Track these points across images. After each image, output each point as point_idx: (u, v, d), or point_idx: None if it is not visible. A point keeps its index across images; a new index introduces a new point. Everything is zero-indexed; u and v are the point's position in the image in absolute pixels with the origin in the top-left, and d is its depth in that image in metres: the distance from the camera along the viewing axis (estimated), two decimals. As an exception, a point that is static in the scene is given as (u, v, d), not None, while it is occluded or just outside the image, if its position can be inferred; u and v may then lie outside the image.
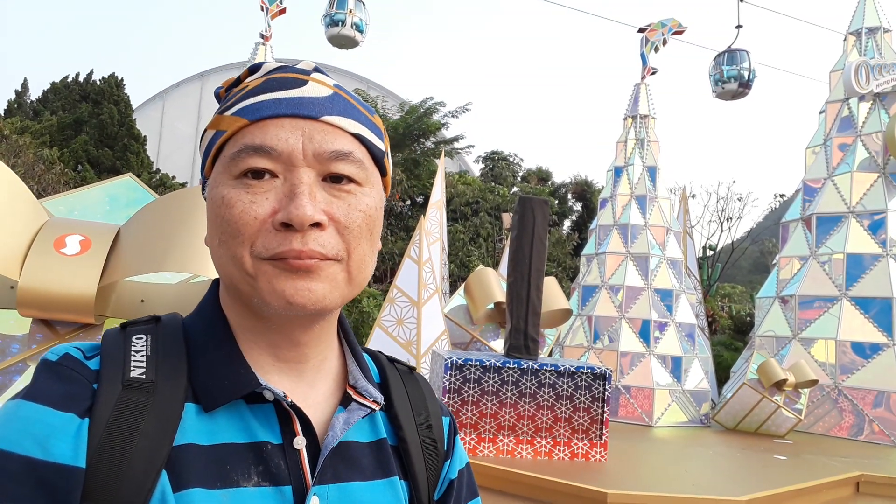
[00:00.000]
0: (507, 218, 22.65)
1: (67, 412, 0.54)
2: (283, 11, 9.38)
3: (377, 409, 0.68)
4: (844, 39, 10.41)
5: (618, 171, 10.13)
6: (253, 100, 0.62)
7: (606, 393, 5.89)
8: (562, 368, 5.86)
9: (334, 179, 0.62)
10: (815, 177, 10.13)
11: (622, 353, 9.22)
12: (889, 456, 7.46)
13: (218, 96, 0.69)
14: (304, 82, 0.63)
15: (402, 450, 0.70)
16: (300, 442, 0.62)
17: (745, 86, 13.16)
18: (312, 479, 0.61)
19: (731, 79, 13.30)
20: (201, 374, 0.61)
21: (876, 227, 9.25)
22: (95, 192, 3.65)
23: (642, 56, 10.07)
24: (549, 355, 9.19)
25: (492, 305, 8.16)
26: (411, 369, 0.80)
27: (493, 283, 8.17)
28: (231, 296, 0.65)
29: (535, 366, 5.79)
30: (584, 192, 25.49)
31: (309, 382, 0.67)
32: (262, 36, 9.47)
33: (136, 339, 0.62)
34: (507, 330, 6.07)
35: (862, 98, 9.74)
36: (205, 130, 0.67)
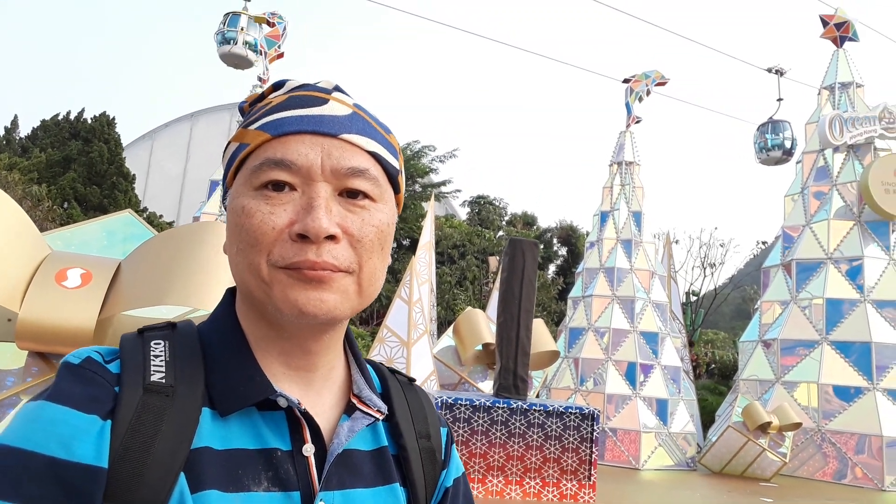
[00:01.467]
0: (493, 261, 22.83)
1: (90, 414, 0.55)
2: (280, 56, 9.65)
3: (381, 418, 0.70)
4: (819, 93, 10.89)
5: (604, 216, 10.37)
6: (276, 115, 0.65)
7: (595, 433, 5.94)
8: (551, 408, 5.91)
9: (350, 195, 0.64)
10: (794, 224, 10.44)
11: (608, 396, 9.27)
12: (873, 500, 7.52)
13: (242, 110, 0.72)
14: (326, 101, 0.66)
15: (403, 458, 0.72)
16: (309, 449, 0.63)
17: (787, 153, 14.46)
18: (319, 485, 0.63)
19: (776, 147, 14.65)
20: (217, 379, 0.63)
21: (853, 273, 9.52)
22: (93, 226, 3.72)
23: (627, 105, 10.44)
24: (537, 397, 9.22)
25: (480, 347, 8.22)
26: (411, 381, 0.82)
27: (482, 324, 8.24)
28: (246, 304, 0.67)
29: (525, 405, 5.84)
30: (569, 236, 25.82)
31: (317, 391, 0.69)
32: (260, 79, 9.71)
33: (155, 344, 0.63)
34: (497, 370, 6.13)
35: (836, 149, 10.14)
36: (228, 143, 0.69)
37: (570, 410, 5.94)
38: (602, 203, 10.47)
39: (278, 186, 0.62)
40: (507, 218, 26.69)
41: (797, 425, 8.46)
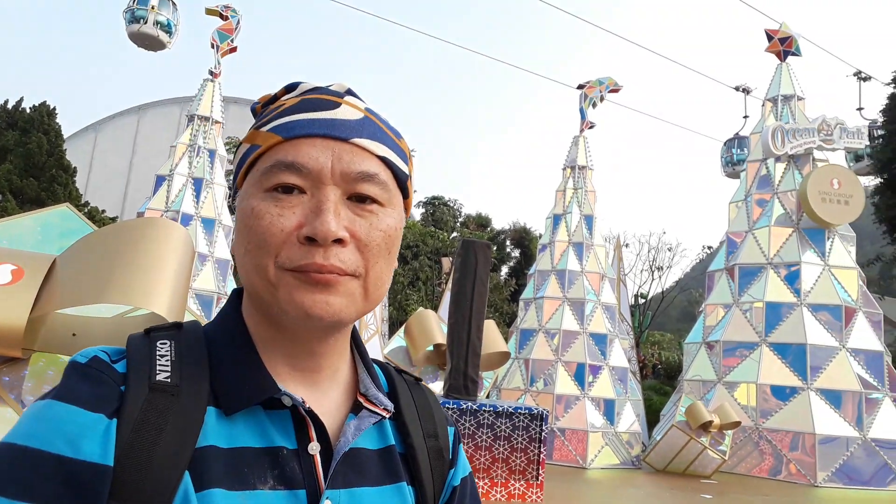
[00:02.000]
0: (446, 262, 22.86)
1: (97, 412, 0.56)
2: (233, 50, 9.44)
3: (387, 416, 0.71)
4: (763, 105, 11.31)
5: (556, 219, 10.52)
6: (288, 118, 0.65)
7: (543, 433, 6.01)
8: (500, 409, 5.95)
9: (359, 199, 0.65)
10: (738, 230, 10.82)
11: (558, 396, 9.40)
12: (806, 495, 7.85)
13: (254, 111, 0.73)
14: (338, 105, 0.67)
15: (410, 457, 0.73)
16: (315, 447, 0.64)
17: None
18: (325, 483, 0.63)
19: (741, 161, 15.68)
20: (222, 379, 0.63)
21: (791, 277, 9.92)
22: (27, 220, 3.56)
23: (581, 111, 10.63)
24: (487, 398, 9.28)
25: (431, 347, 8.22)
26: (417, 380, 0.82)
27: (434, 325, 8.24)
28: (253, 305, 0.68)
29: (474, 406, 5.87)
30: (523, 238, 26.10)
31: (323, 390, 0.69)
32: (212, 73, 9.47)
33: (161, 344, 0.64)
34: (448, 370, 6.15)
35: (778, 159, 10.55)
36: (239, 144, 0.70)
37: (519, 411, 6.00)
38: (555, 206, 10.63)
39: (288, 189, 0.63)
40: (461, 219, 26.78)
41: (736, 424, 8.76)
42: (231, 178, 0.76)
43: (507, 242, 27.41)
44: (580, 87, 10.69)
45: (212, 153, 9.23)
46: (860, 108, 19.08)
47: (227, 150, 21.28)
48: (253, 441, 0.62)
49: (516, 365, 10.06)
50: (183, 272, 3.57)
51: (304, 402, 0.63)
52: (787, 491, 7.98)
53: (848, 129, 10.41)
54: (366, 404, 0.69)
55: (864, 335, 9.56)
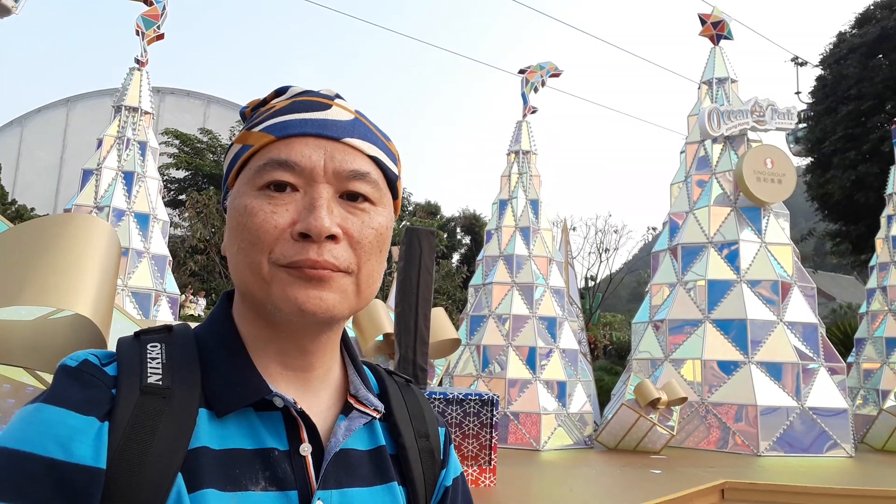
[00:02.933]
0: (395, 251, 22.74)
1: (88, 415, 0.56)
2: (160, 37, 9.01)
3: (377, 416, 0.71)
4: (699, 87, 11.56)
5: (502, 204, 10.53)
6: (281, 118, 0.67)
7: (494, 419, 6.01)
8: (450, 396, 5.92)
9: (350, 197, 0.66)
10: (679, 210, 11.06)
11: (510, 381, 9.45)
12: (750, 464, 8.12)
13: (243, 115, 0.74)
14: (329, 106, 0.69)
15: (402, 457, 0.73)
16: (306, 449, 0.64)
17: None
18: (317, 484, 0.63)
19: None
20: (214, 381, 0.64)
21: (731, 256, 10.21)
22: (-61, 221, 3.30)
23: (523, 95, 10.63)
24: (440, 385, 9.25)
25: (381, 337, 8.12)
26: (408, 381, 0.83)
27: (382, 314, 8.14)
28: (245, 304, 0.68)
29: (424, 394, 5.81)
30: (473, 225, 26.18)
31: (314, 391, 0.70)
32: (138, 61, 9.02)
33: (151, 346, 0.64)
34: (396, 360, 6.07)
35: (715, 140, 10.81)
36: (231, 144, 0.71)
37: (469, 397, 5.97)
38: (500, 192, 10.63)
39: (280, 187, 0.64)
40: (410, 208, 26.65)
41: (683, 400, 8.99)
42: (223, 179, 0.75)
43: (458, 230, 27.45)
44: (521, 71, 10.69)
45: (143, 145, 8.81)
46: (798, 92, 19.83)
47: (165, 143, 20.57)
48: (244, 442, 0.62)
49: (468, 351, 10.06)
50: (109, 271, 3.36)
51: (295, 402, 0.64)
52: (731, 461, 8.24)
53: (779, 110, 10.74)
54: (356, 405, 0.70)
55: (800, 308, 9.94)
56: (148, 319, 7.74)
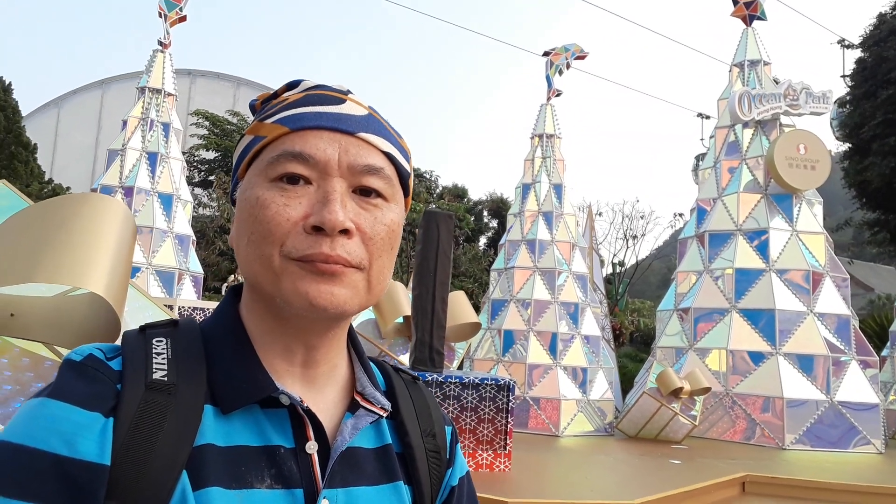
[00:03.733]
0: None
1: (93, 411, 0.56)
2: (183, 19, 9.05)
3: (384, 415, 0.71)
4: (730, 70, 11.22)
5: (525, 188, 10.42)
6: (295, 111, 0.66)
7: (510, 404, 5.98)
8: (466, 380, 5.90)
9: (363, 192, 0.65)
10: (707, 197, 10.80)
11: (530, 366, 9.40)
12: (773, 457, 7.97)
13: (253, 108, 0.74)
14: (343, 101, 0.68)
15: (408, 456, 0.73)
16: (312, 447, 0.64)
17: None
18: (322, 482, 0.63)
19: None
20: (219, 377, 0.63)
21: (761, 244, 9.95)
22: (-40, 199, 3.36)
23: (547, 78, 10.45)
24: (460, 368, 9.25)
25: (401, 319, 8.13)
26: (415, 378, 0.83)
27: (402, 297, 8.14)
28: (253, 298, 0.68)
29: (440, 378, 5.80)
30: (500, 208, 26.03)
31: (320, 388, 0.69)
32: (161, 44, 9.08)
33: (157, 341, 0.64)
34: (413, 343, 6.06)
35: (746, 125, 10.50)
36: (242, 135, 0.70)
37: (485, 382, 5.95)
38: (524, 175, 10.51)
39: (294, 179, 0.63)
40: (437, 191, 26.61)
41: (706, 390, 8.84)
42: (232, 171, 0.74)
43: (485, 213, 27.33)
44: (546, 54, 10.49)
45: (166, 127, 8.91)
46: (844, 76, 19.13)
47: (195, 125, 20.82)
48: (250, 440, 0.62)
49: (489, 335, 10.03)
50: (123, 250, 3.39)
51: (301, 400, 0.64)
52: (754, 454, 8.10)
53: (813, 94, 10.37)
54: (363, 403, 0.70)
55: (832, 300, 9.66)
56: (172, 298, 7.88)
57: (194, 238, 9.09)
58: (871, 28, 17.78)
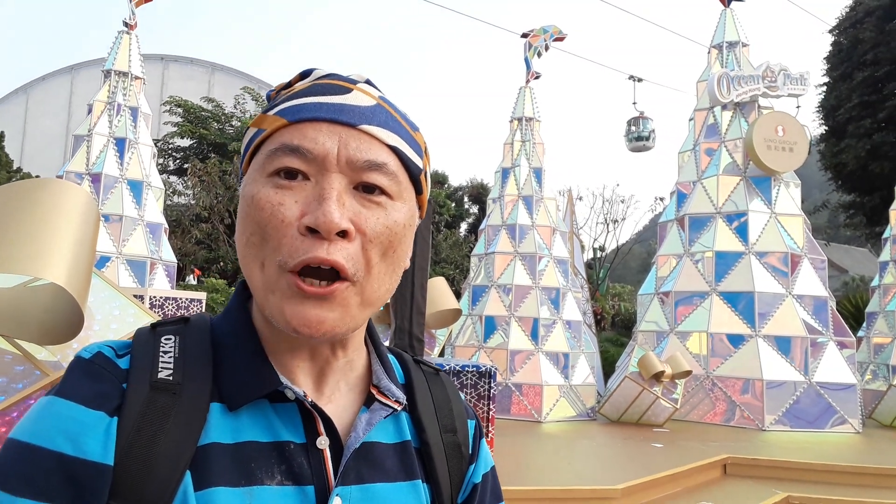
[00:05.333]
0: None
1: (98, 410, 0.56)
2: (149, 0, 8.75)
3: (399, 408, 0.69)
4: (708, 52, 11.18)
5: (505, 173, 10.31)
6: (296, 102, 0.63)
7: (492, 391, 5.90)
8: (447, 368, 5.80)
9: (367, 189, 0.62)
10: (687, 180, 10.79)
11: (512, 352, 9.35)
12: (753, 439, 8.01)
13: (269, 98, 0.70)
14: (349, 90, 0.64)
15: (425, 453, 0.71)
16: (323, 442, 0.62)
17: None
18: (335, 479, 0.62)
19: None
20: (226, 374, 0.62)
21: (740, 227, 9.96)
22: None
23: (526, 60, 10.31)
24: (441, 355, 9.17)
25: (381, 307, 8.00)
26: (437, 371, 0.80)
27: (382, 284, 8.02)
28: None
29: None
30: (480, 194, 25.95)
31: (335, 381, 0.67)
32: (126, 24, 8.75)
33: (165, 339, 0.63)
34: (392, 330, 5.95)
35: (724, 107, 10.47)
36: (247, 128, 0.68)
37: (466, 369, 5.86)
38: (503, 160, 10.39)
39: (291, 174, 0.60)
40: (417, 178, 26.41)
41: (688, 373, 8.85)
42: (240, 163, 0.72)
43: (465, 199, 27.22)
44: (524, 35, 10.34)
45: (134, 111, 8.60)
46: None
47: (168, 112, 20.37)
48: (259, 435, 0.61)
49: (470, 321, 9.95)
50: (85, 238, 3.20)
51: (305, 395, 0.62)
52: (734, 436, 8.14)
53: (791, 76, 10.37)
54: (378, 396, 0.68)
55: (810, 281, 9.71)
56: (143, 287, 7.66)
57: (167, 226, 8.84)
58: (846, 10, 17.88)
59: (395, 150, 0.64)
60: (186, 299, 5.57)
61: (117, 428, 0.55)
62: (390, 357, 0.76)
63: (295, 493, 0.60)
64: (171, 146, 20.67)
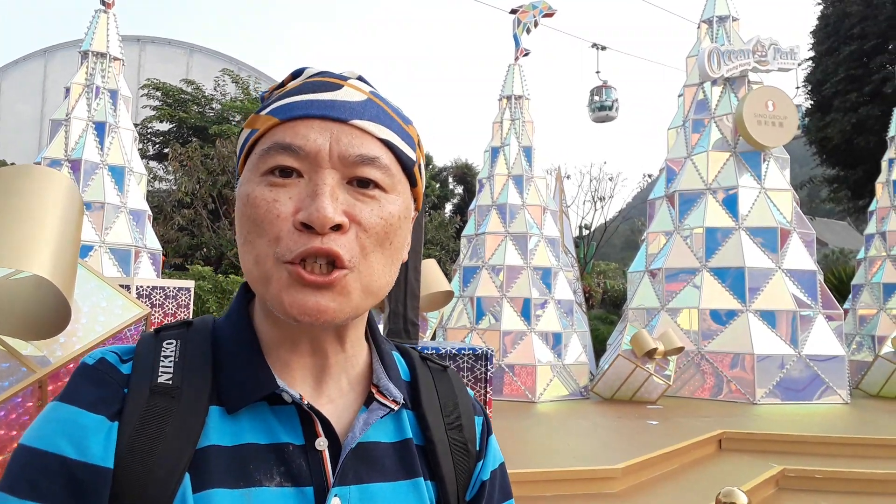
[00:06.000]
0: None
1: (99, 414, 0.57)
2: (127, -24, 8.42)
3: (396, 408, 0.68)
4: (698, 27, 11.07)
5: (495, 152, 10.18)
6: (287, 100, 0.64)
7: (489, 373, 5.85)
8: (443, 351, 5.73)
9: (360, 184, 0.62)
10: (676, 156, 10.74)
11: (505, 333, 9.32)
12: (746, 413, 8.08)
13: (263, 99, 0.71)
14: (340, 87, 0.65)
15: (429, 450, 0.70)
16: (322, 443, 0.63)
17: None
18: (334, 479, 0.62)
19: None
20: (225, 377, 0.63)
21: (729, 202, 9.95)
22: None
23: (515, 37, 10.14)
24: (433, 338, 9.11)
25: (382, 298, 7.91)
26: (444, 368, 0.80)
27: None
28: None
29: (416, 349, 5.63)
30: (465, 175, 25.80)
31: (334, 381, 0.68)
32: (104, 2, 8.41)
33: (167, 344, 0.64)
34: (386, 314, 5.86)
35: (714, 82, 10.40)
36: (242, 129, 0.69)
37: (462, 352, 5.79)
38: (492, 139, 10.26)
39: (285, 172, 0.61)
40: (402, 159, 26.18)
41: (680, 349, 8.88)
42: (235, 164, 0.68)
43: (450, 179, 27.05)
44: (513, 11, 10.16)
45: (113, 94, 8.29)
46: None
47: (146, 95, 19.91)
48: (258, 438, 0.61)
49: (461, 303, 9.89)
50: (69, 227, 3.06)
51: (302, 398, 0.63)
52: (727, 410, 8.20)
53: (781, 50, 10.31)
54: (377, 396, 0.68)
55: (799, 255, 9.75)
56: (129, 277, 7.48)
57: (150, 213, 8.61)
58: (832, -17, 17.84)
59: (386, 144, 0.64)
60: (174, 288, 5.42)
61: (118, 432, 0.57)
62: (395, 354, 0.75)
63: (294, 495, 0.60)
64: (150, 131, 20.23)
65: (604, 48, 17.84)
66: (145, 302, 5.13)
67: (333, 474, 0.62)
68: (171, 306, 5.26)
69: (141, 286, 5.34)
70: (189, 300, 5.41)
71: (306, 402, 0.63)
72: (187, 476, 0.57)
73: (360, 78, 0.68)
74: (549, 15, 10.18)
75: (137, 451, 0.56)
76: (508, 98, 10.20)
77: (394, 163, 0.65)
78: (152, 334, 0.66)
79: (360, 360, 0.70)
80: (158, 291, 5.56)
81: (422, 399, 0.72)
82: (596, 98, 19.12)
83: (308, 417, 0.63)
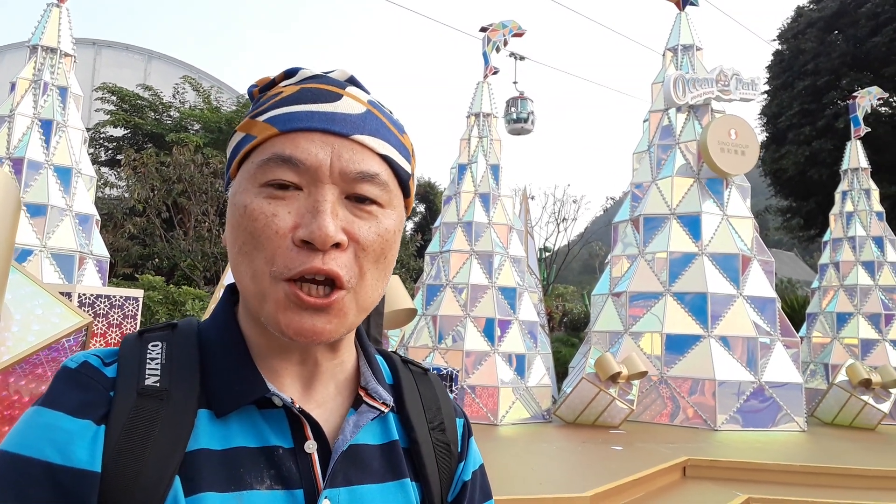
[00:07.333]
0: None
1: (84, 419, 0.56)
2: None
3: (386, 410, 0.69)
4: (663, 55, 11.25)
5: (462, 169, 10.05)
6: (286, 109, 0.63)
7: (454, 393, 5.62)
8: (407, 371, 5.51)
9: (358, 199, 0.62)
10: (641, 181, 10.81)
11: (467, 353, 9.11)
12: (707, 439, 8.03)
13: (251, 95, 0.70)
14: (339, 97, 0.64)
15: (414, 452, 0.71)
16: (311, 446, 0.63)
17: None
18: (324, 482, 0.62)
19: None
20: (213, 380, 0.63)
21: (693, 228, 10.03)
22: None
23: (484, 55, 10.08)
24: (394, 358, 8.83)
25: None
26: (425, 371, 0.81)
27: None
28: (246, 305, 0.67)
29: (397, 353, 5.39)
30: (427, 193, 25.71)
31: (323, 385, 0.68)
32: (62, -10, 7.94)
33: (152, 346, 0.63)
34: (349, 332, 5.61)
35: (679, 109, 10.54)
36: (234, 131, 0.68)
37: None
38: (459, 156, 10.13)
39: (284, 186, 0.61)
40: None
41: (643, 374, 8.82)
42: (225, 168, 0.67)
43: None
44: (483, 30, 10.12)
45: (63, 91, 7.83)
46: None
47: (101, 100, 19.21)
48: (247, 441, 0.61)
49: (424, 322, 9.66)
50: (2, 226, 2.76)
51: (293, 401, 0.63)
52: (689, 436, 8.14)
53: (743, 80, 10.53)
54: (366, 399, 0.69)
55: (759, 283, 9.88)
56: (71, 284, 7.00)
57: (98, 217, 8.13)
58: (788, 21, 18.49)
59: (386, 159, 0.64)
60: (121, 297, 5.04)
61: (105, 436, 0.55)
62: (378, 358, 0.75)
63: (284, 497, 0.60)
64: (102, 135, 19.50)
65: (522, 58, 17.91)
66: (88, 311, 4.76)
67: (323, 477, 0.62)
68: (116, 316, 4.90)
69: (84, 294, 4.93)
70: (137, 310, 5.06)
71: (297, 406, 0.63)
72: (178, 479, 0.56)
73: (351, 79, 0.67)
74: (519, 35, 10.18)
75: (126, 455, 0.55)
76: (477, 115, 10.11)
77: (391, 178, 0.65)
78: (136, 336, 0.65)
79: (349, 363, 0.71)
80: (103, 300, 5.16)
81: (406, 401, 0.73)
82: (512, 109, 18.63)
83: (297, 420, 0.63)
